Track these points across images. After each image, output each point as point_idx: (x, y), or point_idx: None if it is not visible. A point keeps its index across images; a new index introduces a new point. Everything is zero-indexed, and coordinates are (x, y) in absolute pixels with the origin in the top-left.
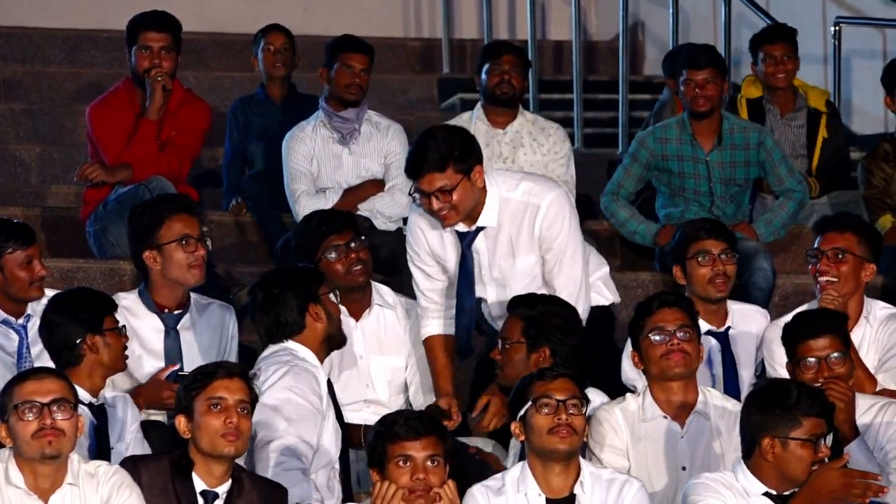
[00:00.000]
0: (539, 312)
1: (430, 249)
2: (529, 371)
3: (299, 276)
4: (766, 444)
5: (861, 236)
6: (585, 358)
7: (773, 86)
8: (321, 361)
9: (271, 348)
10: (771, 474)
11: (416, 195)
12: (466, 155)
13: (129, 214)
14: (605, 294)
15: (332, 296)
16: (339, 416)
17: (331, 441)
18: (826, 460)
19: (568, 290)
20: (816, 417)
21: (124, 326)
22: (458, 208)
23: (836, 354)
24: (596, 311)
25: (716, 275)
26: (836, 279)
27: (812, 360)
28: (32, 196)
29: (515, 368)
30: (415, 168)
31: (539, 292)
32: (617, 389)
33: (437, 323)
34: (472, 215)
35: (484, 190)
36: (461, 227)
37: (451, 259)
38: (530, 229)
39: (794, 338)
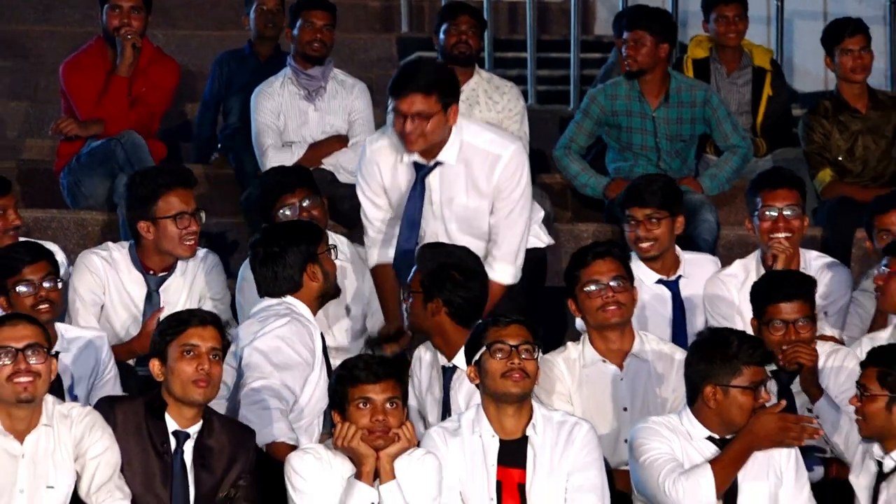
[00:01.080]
0: (438, 264)
1: (382, 182)
2: (427, 320)
3: (299, 235)
4: (709, 392)
5: (801, 190)
6: (520, 298)
7: (725, 44)
8: (314, 314)
9: (269, 301)
10: (713, 419)
11: (391, 114)
12: (451, 91)
13: (129, 181)
14: (541, 237)
15: (330, 253)
16: (329, 372)
17: (321, 393)
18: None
19: (509, 242)
20: (756, 366)
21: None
22: (427, 137)
23: (804, 319)
24: (532, 252)
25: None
26: (791, 234)
27: (780, 322)
28: (8, 149)
29: (416, 317)
30: (401, 85)
31: (467, 238)
32: (552, 329)
33: (383, 251)
34: (433, 151)
35: (450, 130)
36: (419, 159)
37: (401, 192)
38: (488, 176)
39: (764, 299)
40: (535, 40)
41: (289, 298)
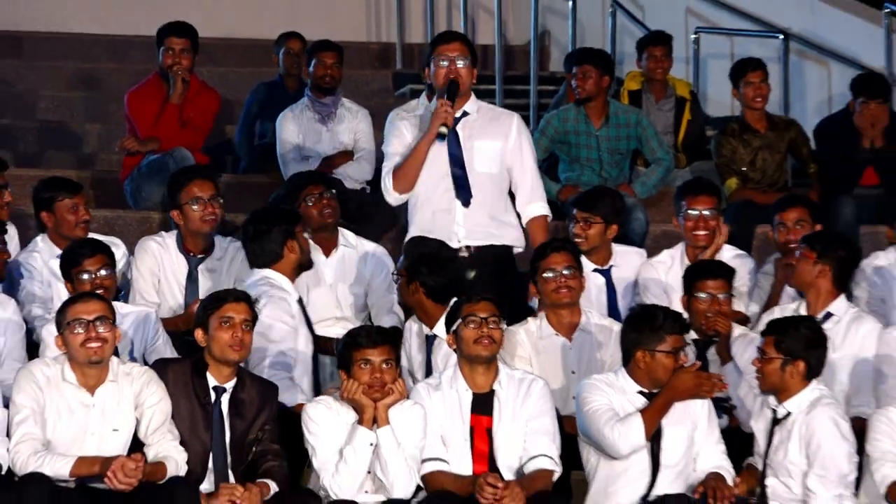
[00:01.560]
0: (417, 255)
1: (405, 143)
2: (410, 297)
3: (281, 216)
4: (640, 356)
5: (718, 196)
6: (490, 281)
7: (654, 78)
8: (293, 282)
9: (253, 276)
10: (643, 377)
11: (431, 64)
12: (476, 59)
13: (167, 182)
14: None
15: (305, 234)
16: (309, 327)
17: (306, 347)
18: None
19: (533, 182)
20: (676, 335)
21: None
22: (460, 80)
23: (724, 294)
24: (508, 249)
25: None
26: (708, 231)
27: (706, 294)
28: (86, 161)
29: (402, 294)
30: (449, 36)
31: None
32: (522, 310)
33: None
34: (459, 103)
35: (470, 91)
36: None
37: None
38: (507, 131)
39: (694, 277)
40: (503, 76)
41: (268, 272)
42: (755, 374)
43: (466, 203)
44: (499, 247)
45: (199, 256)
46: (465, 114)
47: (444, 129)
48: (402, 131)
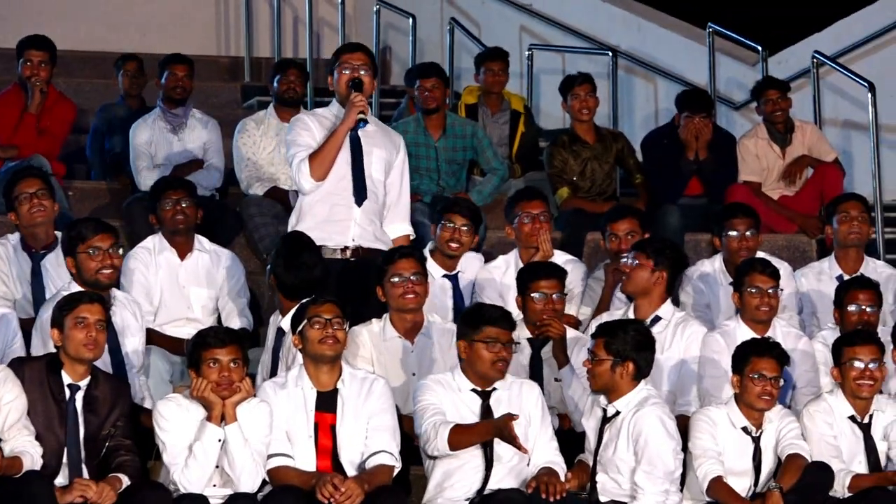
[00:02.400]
0: (276, 252)
1: (314, 136)
2: (272, 290)
3: (68, 238)
4: (461, 346)
5: (547, 202)
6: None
7: (490, 92)
8: None
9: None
10: (470, 372)
11: (335, 72)
12: (377, 70)
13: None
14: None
15: (89, 252)
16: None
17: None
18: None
19: (405, 202)
20: (493, 326)
21: None
22: (367, 91)
23: (557, 294)
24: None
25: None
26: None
27: (539, 294)
28: None
29: (269, 286)
30: (353, 46)
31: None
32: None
33: None
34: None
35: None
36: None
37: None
38: (395, 145)
39: (529, 277)
40: None
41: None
42: (587, 374)
43: (360, 203)
44: (382, 251)
45: (42, 252)
46: (365, 122)
47: (362, 116)
48: (310, 125)
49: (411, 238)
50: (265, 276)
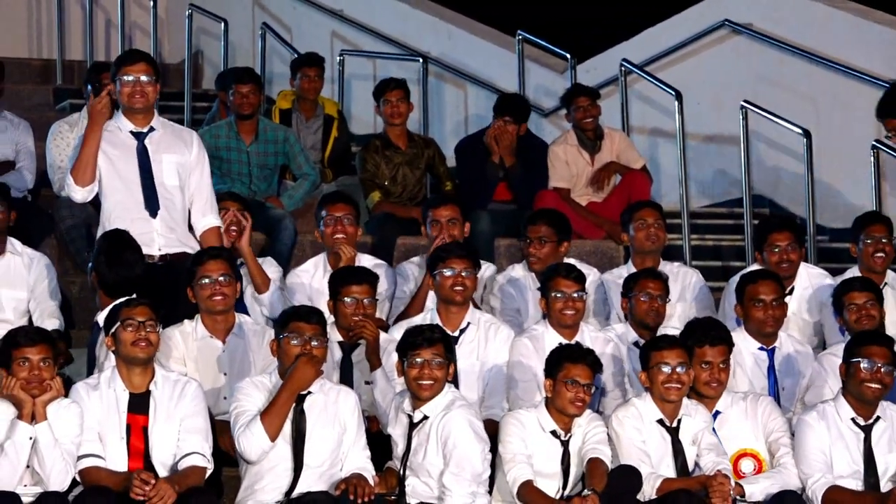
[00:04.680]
0: (97, 248)
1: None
2: (93, 285)
3: None
4: (271, 345)
5: (355, 205)
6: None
7: (306, 97)
8: None
9: None
10: (283, 372)
11: (117, 83)
12: (160, 77)
13: None
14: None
15: None
16: None
17: None
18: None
19: (209, 197)
20: (298, 322)
21: None
22: (145, 97)
23: (368, 299)
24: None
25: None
26: (346, 235)
27: (350, 299)
28: None
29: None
30: (135, 56)
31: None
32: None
33: None
34: (147, 118)
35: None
36: (134, 127)
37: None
38: (186, 144)
39: (340, 282)
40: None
41: None
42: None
43: (154, 214)
44: (190, 254)
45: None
46: (151, 129)
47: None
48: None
49: (221, 229)
50: (87, 276)
